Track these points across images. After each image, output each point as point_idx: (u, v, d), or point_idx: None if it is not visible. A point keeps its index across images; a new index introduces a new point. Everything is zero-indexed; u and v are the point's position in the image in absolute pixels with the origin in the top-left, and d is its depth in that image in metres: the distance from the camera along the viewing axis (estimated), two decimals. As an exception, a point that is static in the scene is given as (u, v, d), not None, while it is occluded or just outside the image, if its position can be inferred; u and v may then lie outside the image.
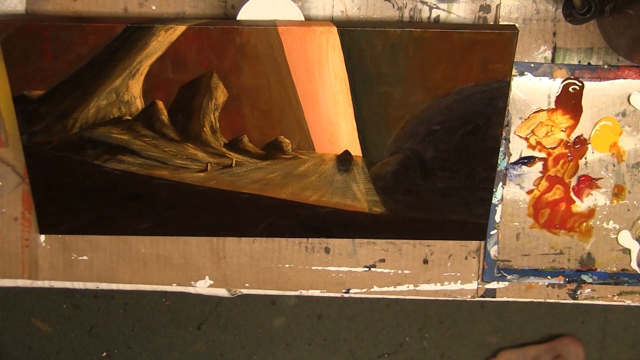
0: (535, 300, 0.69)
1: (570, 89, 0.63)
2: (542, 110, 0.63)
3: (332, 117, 0.60)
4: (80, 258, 0.67)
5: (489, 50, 0.56)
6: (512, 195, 0.66)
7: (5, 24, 0.55)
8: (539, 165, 0.65)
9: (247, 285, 0.68)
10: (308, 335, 1.56)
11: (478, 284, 0.68)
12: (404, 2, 0.60)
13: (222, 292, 0.69)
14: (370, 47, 0.56)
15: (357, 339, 1.56)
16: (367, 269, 0.68)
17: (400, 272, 0.68)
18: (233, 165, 0.61)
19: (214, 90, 0.58)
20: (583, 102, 0.63)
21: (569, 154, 0.65)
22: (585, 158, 0.65)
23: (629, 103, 0.63)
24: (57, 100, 0.58)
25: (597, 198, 0.66)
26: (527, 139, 0.64)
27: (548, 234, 0.67)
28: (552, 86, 0.63)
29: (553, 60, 0.62)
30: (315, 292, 0.68)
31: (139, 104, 0.59)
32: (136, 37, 0.55)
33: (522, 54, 0.62)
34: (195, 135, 0.60)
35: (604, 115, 0.64)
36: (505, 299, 0.69)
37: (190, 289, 0.69)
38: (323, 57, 0.57)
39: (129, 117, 0.59)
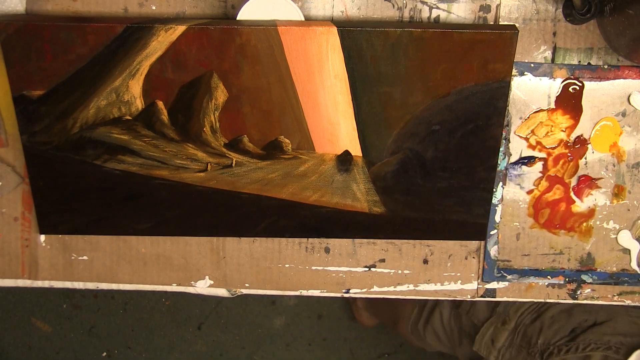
0: (535, 300, 0.69)
1: (570, 89, 0.63)
2: (542, 110, 0.63)
3: (332, 117, 0.60)
4: (80, 258, 0.67)
5: (489, 50, 0.56)
6: (512, 195, 0.66)
7: (5, 24, 0.55)
8: (539, 165, 0.65)
9: (247, 285, 0.68)
10: (308, 335, 1.56)
11: (478, 284, 0.68)
12: (404, 2, 0.60)
13: (222, 292, 0.69)
14: (370, 47, 0.56)
15: (357, 339, 1.56)
16: (367, 269, 0.68)
17: (400, 272, 0.68)
18: (233, 165, 0.61)
19: (214, 90, 0.58)
20: (583, 102, 0.63)
21: (569, 154, 0.65)
22: (585, 158, 0.65)
23: (629, 103, 0.63)
24: (57, 100, 0.58)
25: (597, 198, 0.66)
26: (527, 139, 0.64)
27: (548, 234, 0.67)
28: (552, 86, 0.63)
29: (553, 60, 0.62)
30: (315, 292, 0.68)
31: (139, 104, 0.59)
32: (136, 37, 0.55)
33: (522, 54, 0.62)
34: (195, 135, 0.60)
35: (604, 115, 0.64)
36: (505, 299, 0.69)
37: (190, 289, 0.69)
38: (323, 57, 0.57)
39: (129, 117, 0.59)
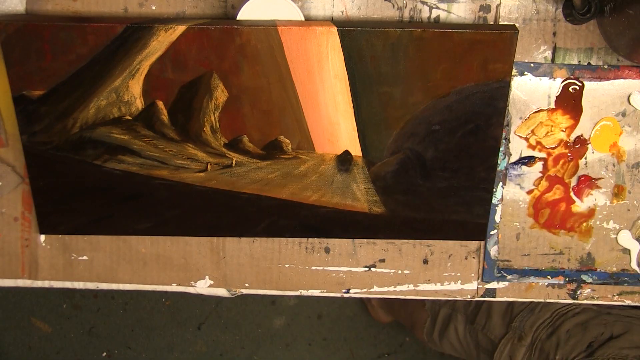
0: (535, 300, 0.69)
1: (570, 89, 0.63)
2: (542, 110, 0.63)
3: (332, 117, 0.60)
4: (80, 258, 0.67)
5: (489, 50, 0.56)
6: (512, 195, 0.66)
7: (5, 24, 0.55)
8: (539, 165, 0.65)
9: (247, 285, 0.68)
10: (308, 335, 1.56)
11: (478, 284, 0.68)
12: (404, 2, 0.60)
13: (222, 292, 0.69)
14: (370, 47, 0.56)
15: (357, 339, 1.56)
16: (367, 269, 0.68)
17: (400, 272, 0.68)
18: (233, 165, 0.61)
19: (214, 90, 0.58)
20: (583, 102, 0.63)
21: (569, 154, 0.65)
22: (585, 158, 0.65)
23: (629, 103, 0.63)
24: (57, 100, 0.58)
25: (597, 198, 0.66)
26: (527, 139, 0.64)
27: (548, 234, 0.67)
28: (552, 86, 0.63)
29: (553, 60, 0.62)
30: (315, 292, 0.68)
31: (139, 104, 0.59)
32: (136, 37, 0.55)
33: (522, 54, 0.62)
34: (195, 135, 0.60)
35: (604, 115, 0.64)
36: (505, 299, 0.69)
37: (190, 289, 0.69)
38: (323, 57, 0.57)
39: (129, 117, 0.59)
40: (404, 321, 1.36)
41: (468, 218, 0.64)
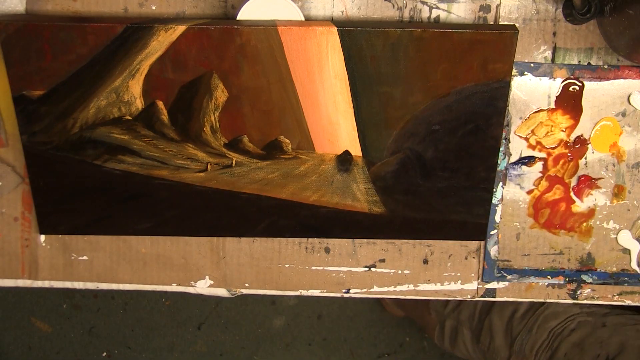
0: (535, 300, 0.69)
1: (570, 89, 0.63)
2: (542, 110, 0.63)
3: (332, 117, 0.60)
4: (80, 258, 0.67)
5: (489, 50, 0.56)
6: (512, 195, 0.66)
7: (5, 24, 0.55)
8: (539, 165, 0.65)
9: (247, 285, 0.68)
10: (308, 335, 1.56)
11: (478, 284, 0.68)
12: (404, 2, 0.60)
13: (222, 292, 0.69)
14: (370, 47, 0.56)
15: (357, 339, 1.56)
16: (367, 269, 0.68)
17: (400, 272, 0.68)
18: (233, 165, 0.61)
19: (214, 90, 0.58)
20: (583, 102, 0.63)
21: (569, 154, 0.65)
22: (585, 158, 0.65)
23: (629, 103, 0.63)
24: (57, 100, 0.58)
25: (597, 198, 0.66)
26: (527, 139, 0.64)
27: (548, 234, 0.67)
28: (552, 86, 0.63)
29: (553, 60, 0.62)
30: (315, 292, 0.68)
31: (139, 104, 0.59)
32: (136, 37, 0.55)
33: (522, 54, 0.62)
34: (195, 135, 0.60)
35: (604, 115, 0.64)
36: (505, 299, 0.69)
37: (190, 289, 0.69)
38: (323, 57, 0.57)
39: (129, 117, 0.59)
40: (416, 320, 1.38)
41: (468, 218, 0.64)
